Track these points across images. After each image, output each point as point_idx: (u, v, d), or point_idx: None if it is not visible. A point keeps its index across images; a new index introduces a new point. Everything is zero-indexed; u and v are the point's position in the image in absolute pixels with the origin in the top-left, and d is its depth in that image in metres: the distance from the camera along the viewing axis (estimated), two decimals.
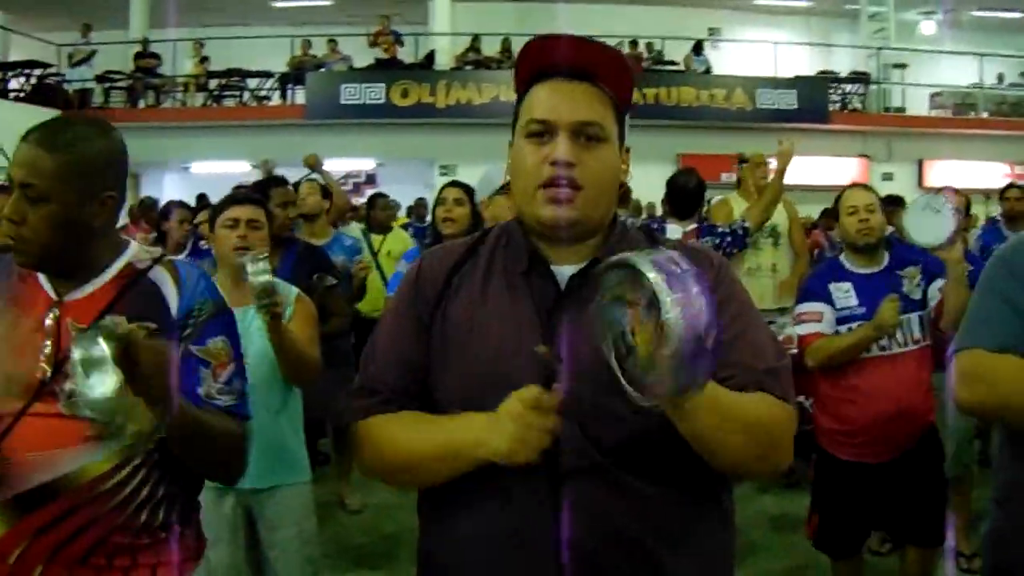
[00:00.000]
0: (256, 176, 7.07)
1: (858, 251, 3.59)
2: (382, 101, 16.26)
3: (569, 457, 1.40)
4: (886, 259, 3.60)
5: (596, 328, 1.25)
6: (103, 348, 1.34)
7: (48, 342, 1.67)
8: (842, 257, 3.71)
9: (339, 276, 4.57)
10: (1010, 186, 6.57)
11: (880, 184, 14.77)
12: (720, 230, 4.82)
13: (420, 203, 11.80)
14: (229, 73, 17.11)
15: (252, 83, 17.32)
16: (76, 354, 1.35)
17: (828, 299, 3.54)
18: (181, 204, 5.87)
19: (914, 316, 3.46)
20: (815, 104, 17.07)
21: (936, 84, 18.85)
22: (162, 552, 1.72)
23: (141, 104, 16.99)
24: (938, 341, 3.41)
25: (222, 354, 1.74)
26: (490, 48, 17.14)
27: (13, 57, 17.34)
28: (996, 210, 6.97)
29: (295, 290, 3.25)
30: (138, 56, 16.87)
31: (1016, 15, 19.40)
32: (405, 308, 1.61)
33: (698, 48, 17.74)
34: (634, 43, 17.35)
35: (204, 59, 17.15)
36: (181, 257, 5.00)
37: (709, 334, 1.13)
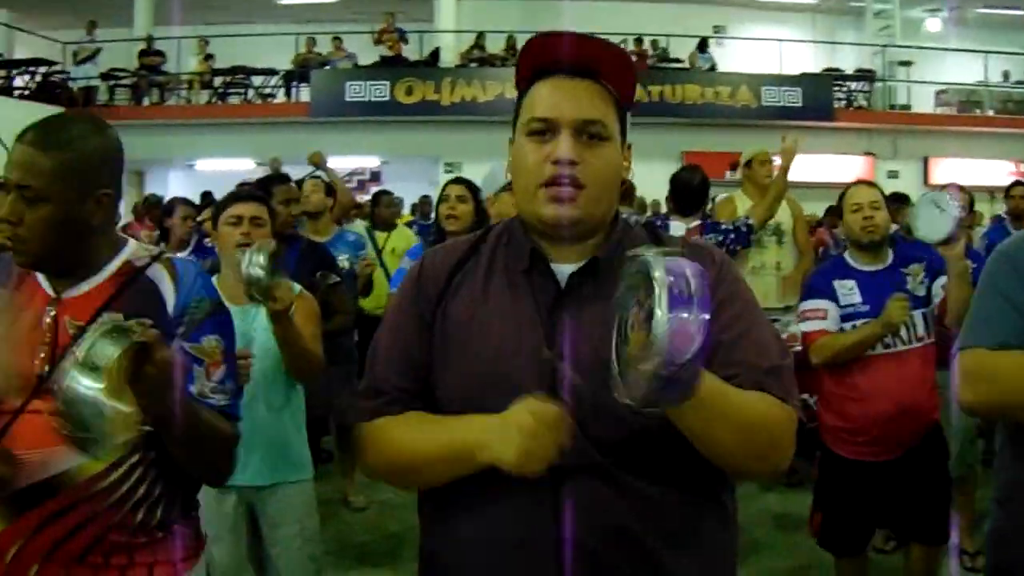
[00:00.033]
0: (260, 173, 7.07)
1: (862, 248, 3.58)
2: (387, 98, 16.26)
3: (569, 457, 1.38)
4: (890, 256, 3.59)
5: (613, 306, 1.23)
6: (110, 351, 1.32)
7: (46, 340, 1.67)
8: (846, 254, 3.70)
9: (341, 274, 4.57)
10: (1015, 184, 6.53)
11: (885, 182, 14.73)
12: (724, 227, 4.81)
13: (425, 200, 11.79)
14: (234, 71, 17.15)
15: (257, 81, 17.35)
16: (80, 351, 1.33)
17: (832, 296, 3.53)
18: (184, 201, 5.86)
19: (918, 313, 3.45)
20: (820, 102, 17.03)
21: (941, 82, 18.82)
22: (159, 551, 1.72)
23: (146, 102, 17.04)
24: (942, 338, 3.40)
25: (216, 353, 1.74)
26: (495, 45, 17.14)
27: (18, 55, 17.42)
28: (1001, 208, 6.93)
29: (297, 287, 3.24)
30: (142, 54, 16.91)
31: (1022, 12, 19.34)
32: (408, 306, 1.60)
33: (703, 45, 17.71)
34: (639, 40, 17.36)
35: (209, 57, 17.16)
36: (184, 254, 5.01)
37: (694, 362, 1.11)
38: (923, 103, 18.54)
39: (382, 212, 7.22)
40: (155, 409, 1.46)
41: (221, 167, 16.49)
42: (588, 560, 1.40)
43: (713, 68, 17.61)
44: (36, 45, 17.48)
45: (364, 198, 10.22)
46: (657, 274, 1.12)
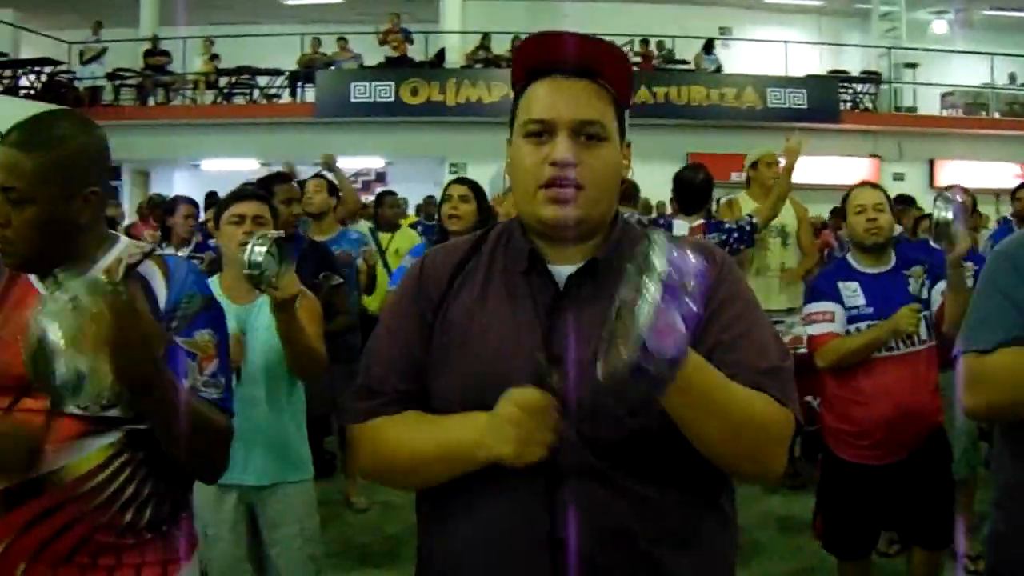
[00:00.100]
0: (264, 174, 7.08)
1: (866, 251, 3.57)
2: (392, 99, 16.28)
3: (567, 458, 1.38)
4: (893, 259, 3.58)
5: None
6: (70, 301, 1.39)
7: None
8: (849, 256, 3.69)
9: (344, 275, 4.57)
10: (1022, 186, 6.53)
11: (891, 184, 14.70)
12: (727, 226, 4.80)
13: (429, 201, 11.78)
14: (239, 71, 17.16)
15: (262, 81, 17.36)
16: (46, 303, 1.40)
17: (837, 298, 3.52)
18: (187, 199, 5.86)
19: (921, 316, 3.43)
20: (826, 104, 17.03)
21: (947, 84, 18.78)
22: (148, 552, 1.71)
23: (151, 102, 17.06)
24: (943, 341, 3.39)
25: (208, 347, 1.75)
26: (500, 46, 17.12)
27: (24, 55, 17.44)
28: (1007, 210, 6.92)
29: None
30: (148, 54, 16.92)
31: None
32: (408, 305, 1.59)
33: (708, 47, 17.70)
34: (644, 42, 17.35)
35: (214, 57, 17.18)
36: (184, 252, 5.02)
37: (673, 355, 1.12)
38: (929, 105, 18.51)
39: (385, 213, 7.22)
40: (132, 375, 1.47)
41: (226, 167, 16.50)
42: (586, 561, 1.39)
43: (719, 70, 17.60)
44: (42, 45, 17.53)
45: (369, 199, 10.22)
46: (656, 261, 1.12)
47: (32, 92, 15.83)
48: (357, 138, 16.16)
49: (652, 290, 1.10)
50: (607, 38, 1.54)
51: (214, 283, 3.06)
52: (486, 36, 17.37)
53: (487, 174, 4.43)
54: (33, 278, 1.74)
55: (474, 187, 4.18)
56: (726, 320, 1.46)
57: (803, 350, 3.91)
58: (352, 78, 16.64)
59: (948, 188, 3.54)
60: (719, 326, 1.45)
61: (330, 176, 5.94)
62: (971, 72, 18.85)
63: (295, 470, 3.13)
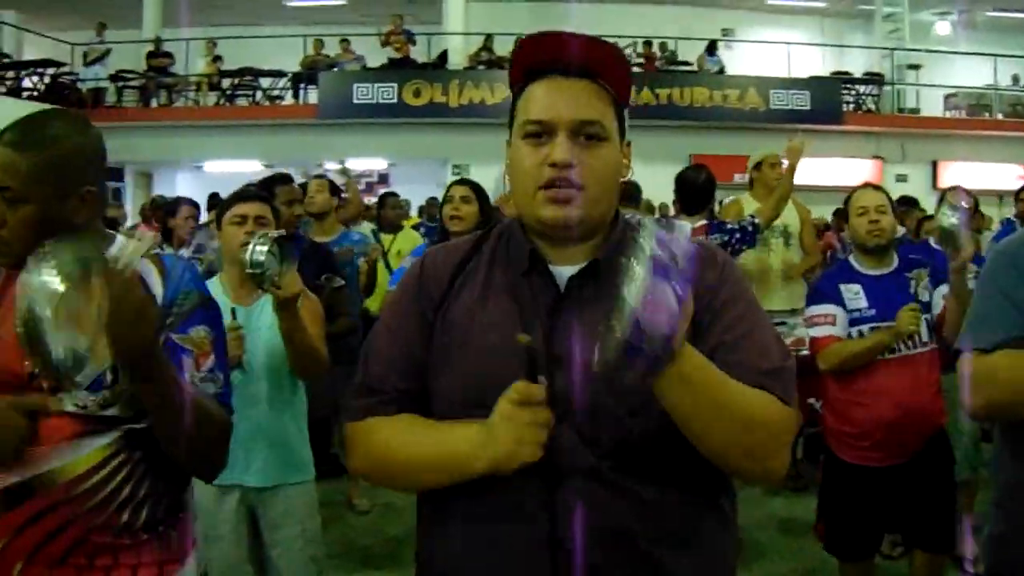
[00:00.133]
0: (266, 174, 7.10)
1: (868, 252, 3.56)
2: (395, 101, 16.27)
3: (567, 459, 1.38)
4: (895, 261, 3.57)
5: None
6: (55, 274, 1.44)
7: None
8: (851, 258, 3.68)
9: (345, 276, 4.56)
10: None
11: (894, 185, 14.71)
12: (729, 226, 4.78)
13: (432, 203, 11.78)
14: (242, 72, 17.17)
15: (265, 82, 17.37)
16: (30, 275, 1.44)
17: (839, 301, 3.51)
18: (188, 201, 5.86)
19: (922, 318, 3.42)
20: (829, 105, 17.01)
21: (950, 85, 18.76)
22: (144, 552, 1.71)
23: (154, 103, 17.06)
24: (945, 344, 3.38)
25: (204, 343, 1.75)
26: (503, 48, 17.09)
27: (27, 56, 17.48)
28: (1010, 212, 6.91)
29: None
30: (151, 55, 16.94)
31: None
32: (409, 304, 1.59)
33: (711, 48, 17.70)
34: (648, 43, 17.36)
35: (217, 58, 17.20)
36: (183, 252, 5.01)
37: (666, 333, 1.13)
38: (932, 107, 18.51)
39: (388, 214, 7.22)
40: (129, 348, 1.47)
41: (229, 169, 16.51)
42: (586, 562, 1.39)
43: (722, 71, 17.59)
44: (45, 46, 17.55)
45: (371, 200, 10.22)
46: (644, 242, 1.12)
47: (35, 94, 15.84)
48: (360, 140, 16.18)
49: (641, 269, 1.10)
50: (610, 39, 1.53)
51: (214, 283, 3.06)
52: (489, 37, 17.36)
53: (490, 175, 4.41)
54: None
55: (476, 188, 4.17)
56: (728, 321, 1.46)
57: (805, 352, 3.90)
58: (355, 79, 16.63)
59: (950, 189, 3.53)
60: (721, 327, 1.45)
61: (339, 180, 5.95)
62: (974, 73, 18.83)
63: (297, 471, 3.12)
